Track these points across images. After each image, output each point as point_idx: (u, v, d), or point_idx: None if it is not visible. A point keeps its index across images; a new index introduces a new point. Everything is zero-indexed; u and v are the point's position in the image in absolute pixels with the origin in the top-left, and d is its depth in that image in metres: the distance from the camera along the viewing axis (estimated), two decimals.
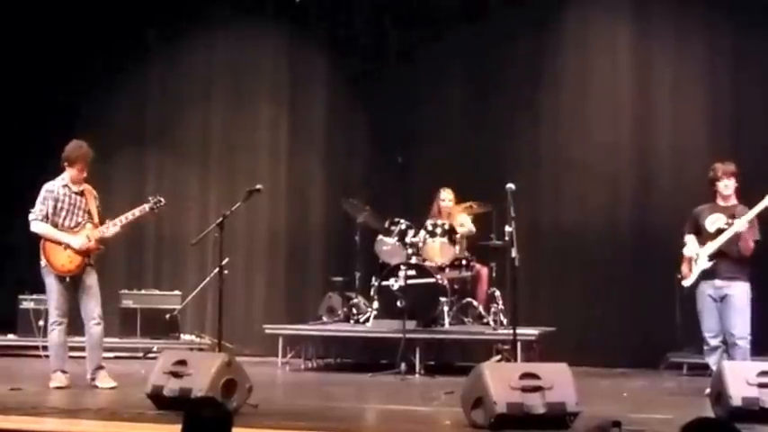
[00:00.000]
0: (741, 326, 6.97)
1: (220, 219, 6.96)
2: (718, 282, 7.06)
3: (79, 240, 7.22)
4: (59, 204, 7.25)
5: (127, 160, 10.82)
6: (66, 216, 7.27)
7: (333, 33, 10.46)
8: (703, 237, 7.16)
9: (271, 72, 10.69)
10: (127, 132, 10.76)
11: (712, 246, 7.06)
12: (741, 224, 6.94)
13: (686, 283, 7.21)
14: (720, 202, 7.21)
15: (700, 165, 9.21)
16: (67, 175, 7.31)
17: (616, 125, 9.74)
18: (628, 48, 9.74)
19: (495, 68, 9.96)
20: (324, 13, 10.46)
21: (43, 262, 7.22)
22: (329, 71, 10.55)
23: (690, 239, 7.26)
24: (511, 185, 6.68)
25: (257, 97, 10.71)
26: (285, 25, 10.61)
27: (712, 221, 7.13)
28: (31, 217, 7.26)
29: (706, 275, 7.08)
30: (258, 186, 7.43)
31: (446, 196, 9.18)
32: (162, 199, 7.50)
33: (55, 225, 7.23)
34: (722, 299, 7.05)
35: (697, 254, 7.15)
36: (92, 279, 7.30)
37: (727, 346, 7.04)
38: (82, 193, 7.35)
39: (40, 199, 7.26)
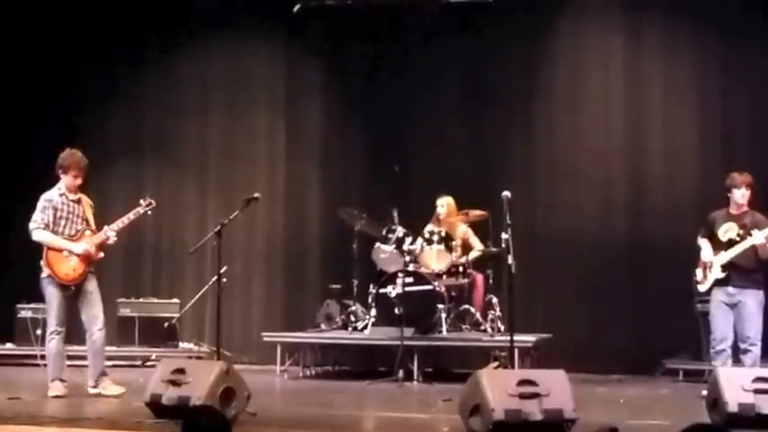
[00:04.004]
0: (755, 332, 7.17)
1: (218, 227, 6.99)
2: (731, 289, 7.24)
3: (81, 246, 7.22)
4: (58, 213, 7.25)
5: (124, 170, 10.84)
6: (65, 224, 7.28)
7: (329, 43, 10.50)
8: (715, 244, 7.33)
9: (267, 81, 10.72)
10: (124, 143, 10.79)
11: (725, 256, 7.24)
12: (758, 238, 7.07)
13: (702, 288, 7.41)
14: (733, 211, 7.37)
15: (691, 172, 9.38)
16: (63, 183, 7.32)
17: (609, 134, 9.83)
18: (619, 58, 9.84)
19: (489, 78, 10.01)
20: (320, 23, 10.49)
21: (46, 272, 7.19)
22: (326, 80, 10.58)
23: (704, 244, 7.39)
24: (507, 193, 6.71)
25: (254, 106, 10.73)
26: (281, 34, 10.63)
27: (725, 231, 7.30)
28: (32, 226, 7.24)
29: (719, 282, 7.27)
30: (255, 195, 7.46)
31: (439, 203, 9.22)
32: (153, 201, 7.56)
33: (55, 233, 7.23)
34: (735, 306, 7.23)
35: (711, 261, 7.29)
36: (92, 285, 7.31)
37: (739, 352, 7.21)
38: (78, 201, 7.37)
39: (39, 208, 7.25)
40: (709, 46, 9.55)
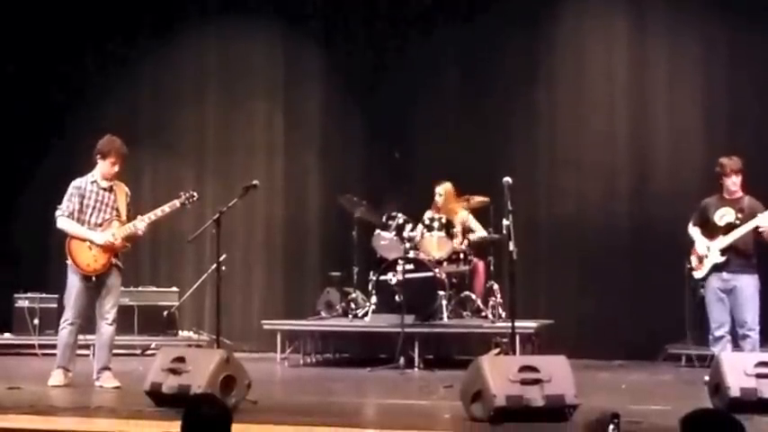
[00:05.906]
0: (752, 317, 7.11)
1: (217, 215, 6.92)
2: (725, 275, 7.16)
3: (103, 237, 7.07)
4: (85, 201, 7.11)
5: None
6: (92, 213, 7.13)
7: (328, 29, 10.45)
8: (710, 229, 7.25)
9: (265, 68, 10.67)
10: (120, 132, 10.63)
11: (725, 240, 7.15)
12: (766, 219, 7.00)
13: (698, 275, 7.33)
14: (727, 195, 7.29)
15: (696, 158, 9.33)
16: (98, 170, 7.18)
17: (612, 119, 9.80)
18: (623, 42, 9.78)
19: (490, 63, 9.98)
20: (318, 9, 10.44)
21: (69, 261, 7.09)
22: (324, 67, 10.53)
23: (695, 232, 7.32)
24: (508, 179, 6.68)
25: (252, 94, 10.68)
26: (279, 21, 10.58)
27: (721, 215, 7.23)
28: (57, 213, 7.14)
29: (716, 268, 7.19)
30: (254, 182, 7.36)
31: (438, 191, 9.20)
32: (195, 193, 7.33)
33: (81, 222, 7.10)
34: (730, 291, 7.16)
35: (708, 247, 7.21)
36: (114, 280, 7.16)
37: (737, 338, 7.17)
38: (111, 189, 7.20)
39: (66, 195, 7.14)
40: (715, 29, 9.46)
